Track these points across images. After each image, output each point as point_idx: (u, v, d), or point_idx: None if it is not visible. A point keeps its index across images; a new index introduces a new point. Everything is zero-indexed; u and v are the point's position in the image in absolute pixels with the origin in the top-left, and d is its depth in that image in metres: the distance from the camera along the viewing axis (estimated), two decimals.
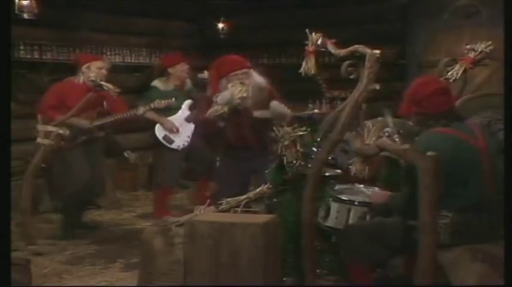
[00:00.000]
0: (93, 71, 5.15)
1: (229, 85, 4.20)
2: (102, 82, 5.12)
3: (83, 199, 5.32)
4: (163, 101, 5.39)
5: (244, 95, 4.16)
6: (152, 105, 5.37)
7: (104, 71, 5.22)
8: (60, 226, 5.30)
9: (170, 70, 5.76)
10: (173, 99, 5.46)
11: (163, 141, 5.59)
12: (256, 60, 8.25)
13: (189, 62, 5.87)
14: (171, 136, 5.58)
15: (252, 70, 4.40)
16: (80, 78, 5.20)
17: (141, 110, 5.33)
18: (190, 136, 5.63)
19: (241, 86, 4.18)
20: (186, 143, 5.62)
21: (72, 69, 5.41)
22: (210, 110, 4.25)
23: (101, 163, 5.43)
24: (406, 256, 3.53)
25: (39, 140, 4.96)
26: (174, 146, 5.61)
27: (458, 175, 2.97)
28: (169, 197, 5.92)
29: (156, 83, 5.78)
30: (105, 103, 5.28)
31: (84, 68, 5.19)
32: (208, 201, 3.71)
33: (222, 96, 4.19)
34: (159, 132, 5.61)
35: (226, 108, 4.18)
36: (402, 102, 3.20)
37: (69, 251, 4.82)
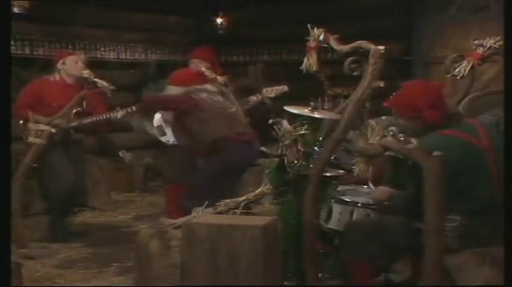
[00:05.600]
0: (69, 65, 5.16)
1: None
2: (96, 79, 5.13)
3: (68, 201, 5.27)
4: None
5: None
6: (135, 108, 5.24)
7: (80, 64, 5.22)
8: (49, 229, 5.29)
9: (190, 63, 5.64)
10: None
11: (156, 131, 5.54)
12: (256, 57, 8.36)
13: (209, 60, 5.56)
14: (166, 129, 5.53)
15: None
16: (56, 76, 5.20)
17: (119, 113, 5.22)
18: None
19: None
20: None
21: None
22: None
23: (82, 165, 5.41)
24: (410, 257, 3.54)
25: (30, 139, 4.96)
26: (163, 139, 5.55)
27: (464, 177, 2.98)
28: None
29: None
30: (84, 103, 5.22)
31: (59, 64, 5.20)
32: (206, 202, 3.71)
33: None
34: (156, 121, 5.56)
35: None
36: (424, 113, 3.14)
37: (62, 255, 4.82)
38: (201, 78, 4.93)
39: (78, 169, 5.24)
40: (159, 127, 5.52)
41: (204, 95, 4.70)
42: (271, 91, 5.52)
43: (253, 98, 5.52)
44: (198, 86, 4.77)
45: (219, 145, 4.50)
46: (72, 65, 5.18)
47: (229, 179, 4.54)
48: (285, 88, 5.60)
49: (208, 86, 4.83)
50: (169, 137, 5.52)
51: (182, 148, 5.38)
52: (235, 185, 4.64)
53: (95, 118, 5.19)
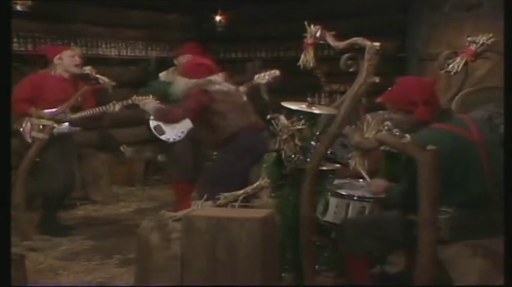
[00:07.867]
0: (66, 60, 5.11)
1: None
2: (97, 75, 5.12)
3: (58, 198, 5.23)
4: (140, 97, 5.13)
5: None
6: (130, 101, 5.16)
7: (77, 59, 5.18)
8: (40, 223, 5.21)
9: (175, 61, 5.64)
10: (150, 96, 5.13)
11: (154, 131, 5.48)
12: (254, 54, 8.35)
13: (197, 54, 5.48)
14: (163, 127, 5.46)
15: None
16: (55, 71, 5.14)
17: (116, 106, 5.14)
18: (185, 132, 5.42)
19: None
20: (177, 138, 5.45)
21: None
22: None
23: (73, 161, 5.36)
24: (405, 251, 3.54)
25: (33, 134, 4.96)
26: (163, 137, 5.49)
27: (457, 170, 2.99)
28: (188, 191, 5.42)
29: (163, 74, 5.67)
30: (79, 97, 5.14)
31: (56, 59, 5.14)
32: (205, 196, 3.71)
33: None
34: (153, 122, 5.49)
35: None
36: (418, 109, 3.13)
37: (64, 247, 4.82)
38: (211, 68, 4.81)
39: (68, 164, 5.18)
40: (157, 127, 5.47)
41: (216, 87, 4.61)
42: (263, 77, 5.30)
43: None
44: (210, 77, 4.67)
45: (235, 135, 4.50)
46: (69, 60, 5.13)
47: (247, 168, 4.53)
48: (277, 72, 5.33)
49: (217, 77, 4.74)
50: (169, 135, 5.48)
51: (188, 144, 5.36)
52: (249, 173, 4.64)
53: (91, 112, 5.12)
